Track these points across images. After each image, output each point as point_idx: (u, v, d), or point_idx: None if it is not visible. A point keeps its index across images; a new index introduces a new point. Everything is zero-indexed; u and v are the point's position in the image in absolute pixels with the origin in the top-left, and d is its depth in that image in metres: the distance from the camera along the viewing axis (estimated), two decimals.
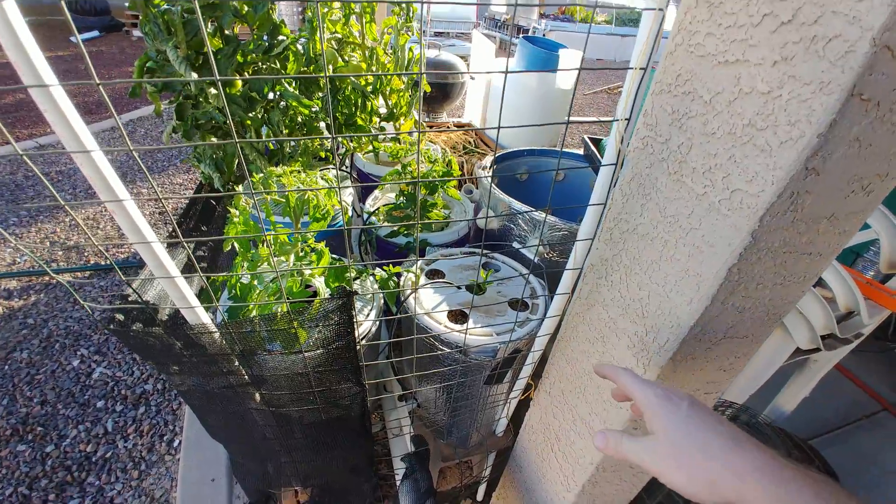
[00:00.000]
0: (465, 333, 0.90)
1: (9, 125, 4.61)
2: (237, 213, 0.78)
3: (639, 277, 0.69)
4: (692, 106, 0.55)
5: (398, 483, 1.14)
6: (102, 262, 2.84)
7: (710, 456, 0.39)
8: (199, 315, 0.61)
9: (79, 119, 0.46)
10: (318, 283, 0.75)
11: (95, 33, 8.65)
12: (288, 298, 0.63)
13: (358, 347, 0.77)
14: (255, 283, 0.75)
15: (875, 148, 0.45)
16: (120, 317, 0.69)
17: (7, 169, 3.76)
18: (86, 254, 2.91)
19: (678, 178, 0.59)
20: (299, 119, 1.18)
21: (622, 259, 0.72)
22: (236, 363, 0.74)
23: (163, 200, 0.48)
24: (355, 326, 0.69)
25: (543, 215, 1.26)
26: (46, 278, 2.66)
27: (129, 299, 0.71)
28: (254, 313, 0.78)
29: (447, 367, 1.03)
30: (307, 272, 0.76)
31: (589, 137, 1.61)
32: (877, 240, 1.41)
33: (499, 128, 0.55)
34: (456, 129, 1.00)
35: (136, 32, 8.82)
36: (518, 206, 1.29)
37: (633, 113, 0.61)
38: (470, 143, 2.86)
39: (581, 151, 1.77)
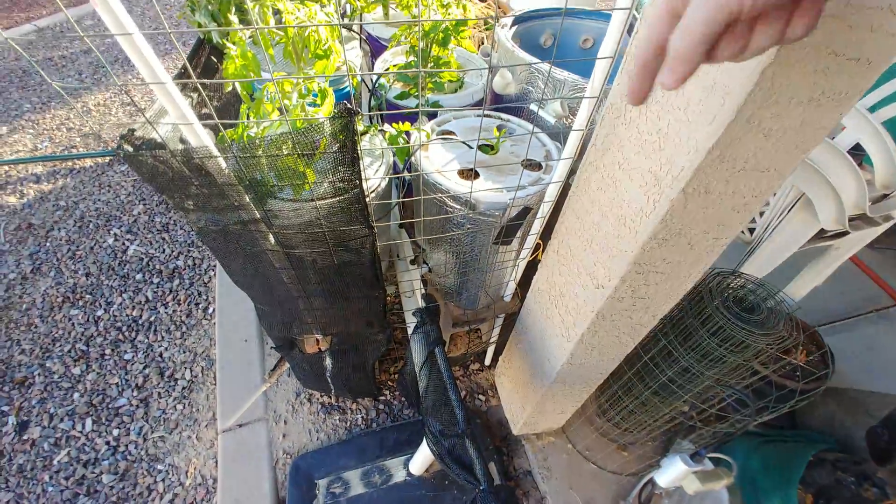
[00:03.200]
0: (471, 188, 0.88)
1: (6, 9, 4.36)
2: (233, 46, 0.74)
3: (658, 106, 0.64)
4: None
5: (410, 335, 1.22)
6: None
7: None
8: (199, 133, 0.61)
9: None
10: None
11: None
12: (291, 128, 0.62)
13: (366, 188, 0.77)
14: (258, 121, 0.74)
15: None
16: (129, 147, 0.69)
17: (11, 55, 3.65)
18: (103, 139, 2.93)
19: None
20: None
21: None
22: (246, 198, 0.75)
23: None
24: (360, 157, 0.68)
25: (566, 74, 1.16)
26: (70, 163, 2.72)
27: (137, 134, 0.71)
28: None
29: (455, 224, 1.04)
30: (309, 109, 0.73)
31: None
32: None
33: None
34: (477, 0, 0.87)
35: None
36: (539, 63, 1.19)
37: None
38: (492, 17, 2.59)
39: None
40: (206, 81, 0.54)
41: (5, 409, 1.67)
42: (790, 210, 1.50)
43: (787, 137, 0.58)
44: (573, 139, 0.77)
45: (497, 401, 1.69)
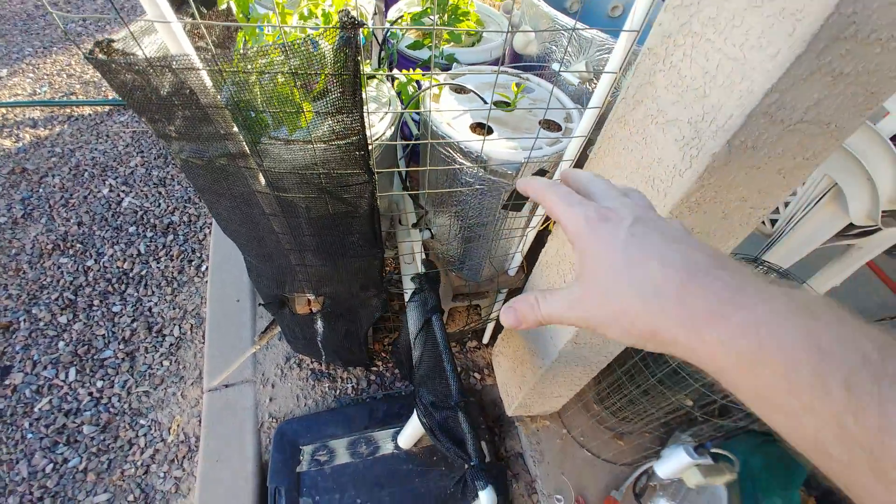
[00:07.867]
0: (483, 140, 0.80)
1: None
2: None
3: (709, 45, 0.56)
4: None
5: (406, 302, 1.16)
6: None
7: (647, 298, 0.28)
8: (178, 36, 0.53)
9: None
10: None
11: None
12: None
13: (367, 125, 0.69)
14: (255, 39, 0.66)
15: None
16: (101, 55, 0.61)
17: None
18: (103, 88, 2.83)
19: None
20: None
21: (692, 26, 0.58)
22: (233, 126, 0.67)
23: None
24: (362, 79, 0.60)
25: (594, 32, 1.07)
26: (68, 110, 2.64)
27: (117, 46, 0.63)
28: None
29: (462, 182, 0.96)
30: (310, 32, 0.65)
31: None
32: None
33: None
34: None
35: None
36: (564, 20, 1.10)
37: None
38: None
39: None
40: None
41: None
42: (818, 201, 1.42)
43: (858, 84, 0.50)
44: (604, 84, 0.69)
45: (492, 380, 1.64)
